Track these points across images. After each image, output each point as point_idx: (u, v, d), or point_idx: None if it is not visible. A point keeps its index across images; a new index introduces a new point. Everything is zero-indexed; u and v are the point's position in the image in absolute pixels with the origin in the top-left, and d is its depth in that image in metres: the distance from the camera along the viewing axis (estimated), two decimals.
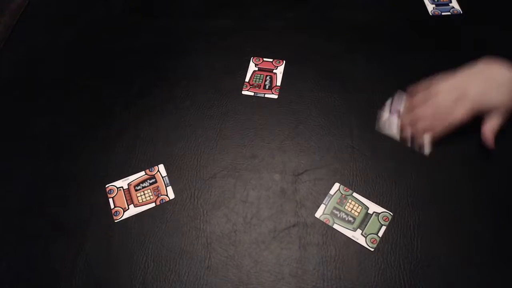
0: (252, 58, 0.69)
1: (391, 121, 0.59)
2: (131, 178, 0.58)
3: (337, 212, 0.53)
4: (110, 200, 0.56)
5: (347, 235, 0.51)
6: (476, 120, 0.54)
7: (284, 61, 0.68)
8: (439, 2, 0.73)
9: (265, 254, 0.51)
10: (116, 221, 0.54)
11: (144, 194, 0.56)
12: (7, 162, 0.61)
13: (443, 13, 0.72)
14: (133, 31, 0.75)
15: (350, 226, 0.52)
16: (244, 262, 0.50)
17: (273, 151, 0.59)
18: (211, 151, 0.60)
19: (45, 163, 0.60)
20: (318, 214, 0.53)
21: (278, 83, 0.66)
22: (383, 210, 0.53)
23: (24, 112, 0.66)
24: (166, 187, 0.57)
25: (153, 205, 0.55)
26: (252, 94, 0.65)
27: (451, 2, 0.73)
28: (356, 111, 0.62)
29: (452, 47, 0.68)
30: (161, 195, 0.56)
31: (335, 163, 0.57)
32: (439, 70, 0.65)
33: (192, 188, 0.56)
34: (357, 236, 0.51)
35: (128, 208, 0.55)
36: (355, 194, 0.54)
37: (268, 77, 0.67)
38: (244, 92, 0.66)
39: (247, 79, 0.67)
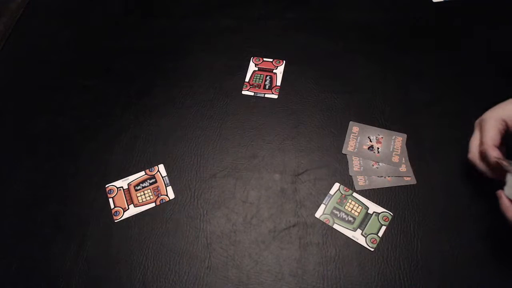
0: (252, 58, 0.69)
1: None
2: (131, 178, 0.58)
3: (337, 212, 0.53)
4: (110, 200, 0.56)
5: (347, 235, 0.51)
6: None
7: (284, 61, 0.69)
8: None
9: (265, 254, 0.51)
10: (116, 221, 0.54)
11: (144, 194, 0.56)
12: (7, 161, 0.61)
13: None
14: (133, 31, 0.75)
15: (350, 226, 0.52)
16: (244, 262, 0.50)
17: (273, 151, 0.59)
18: (211, 151, 0.60)
19: (45, 163, 0.60)
20: (318, 214, 0.53)
21: (278, 83, 0.66)
22: (383, 210, 0.53)
23: (24, 112, 0.66)
24: (166, 187, 0.57)
25: (153, 205, 0.55)
26: (252, 94, 0.65)
27: None
28: (356, 111, 0.62)
29: (452, 47, 0.68)
30: (161, 195, 0.56)
31: (335, 163, 0.57)
32: (439, 70, 0.65)
33: (192, 188, 0.56)
34: (357, 236, 0.51)
35: (128, 208, 0.55)
36: (355, 194, 0.54)
37: (268, 77, 0.67)
38: (244, 92, 0.66)
39: (247, 79, 0.67)
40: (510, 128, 0.47)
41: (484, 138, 0.47)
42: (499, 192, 0.45)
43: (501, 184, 0.44)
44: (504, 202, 0.44)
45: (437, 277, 0.48)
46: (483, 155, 0.47)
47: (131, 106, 0.65)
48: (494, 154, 0.46)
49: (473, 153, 0.49)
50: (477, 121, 0.50)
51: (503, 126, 0.47)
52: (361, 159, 0.57)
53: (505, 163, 0.45)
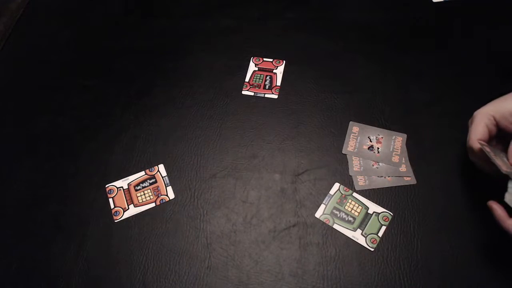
0: (252, 58, 0.69)
1: None
2: (131, 178, 0.58)
3: (337, 212, 0.53)
4: (110, 200, 0.56)
5: (347, 235, 0.51)
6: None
7: (284, 61, 0.69)
8: None
9: (265, 254, 0.51)
10: (116, 221, 0.54)
11: (144, 194, 0.56)
12: (7, 161, 0.61)
13: None
14: (133, 31, 0.75)
15: (350, 226, 0.52)
16: (244, 262, 0.50)
17: (273, 151, 0.59)
18: (211, 151, 0.60)
19: (45, 163, 0.60)
20: (318, 214, 0.53)
21: (278, 83, 0.66)
22: (383, 210, 0.53)
23: (24, 112, 0.66)
24: (166, 187, 0.57)
25: (153, 205, 0.55)
26: (252, 94, 0.65)
27: None
28: (356, 111, 0.62)
29: (452, 47, 0.68)
30: (161, 195, 0.56)
31: (335, 163, 0.57)
32: (439, 70, 0.65)
33: (192, 188, 0.56)
34: (357, 236, 0.51)
35: (128, 208, 0.55)
36: (355, 194, 0.54)
37: (268, 77, 0.67)
38: (244, 92, 0.66)
39: (247, 79, 0.67)
40: (499, 122, 0.47)
41: (470, 133, 0.48)
42: (490, 203, 0.44)
43: (503, 189, 0.44)
44: (498, 213, 0.43)
45: (437, 277, 0.48)
46: (470, 150, 0.48)
47: (131, 106, 0.65)
48: (480, 142, 0.46)
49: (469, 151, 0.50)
50: (470, 120, 0.50)
51: (491, 121, 0.48)
52: (361, 159, 0.57)
53: (487, 149, 0.45)
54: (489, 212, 0.50)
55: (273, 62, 0.69)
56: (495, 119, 0.48)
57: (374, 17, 0.73)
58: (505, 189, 0.43)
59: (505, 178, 0.44)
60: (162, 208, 0.55)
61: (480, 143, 0.46)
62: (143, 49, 0.72)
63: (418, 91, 0.63)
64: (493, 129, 0.48)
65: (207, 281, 0.49)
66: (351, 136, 0.59)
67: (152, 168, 0.58)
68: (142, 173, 0.58)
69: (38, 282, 0.50)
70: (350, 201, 0.54)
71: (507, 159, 0.45)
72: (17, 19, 0.80)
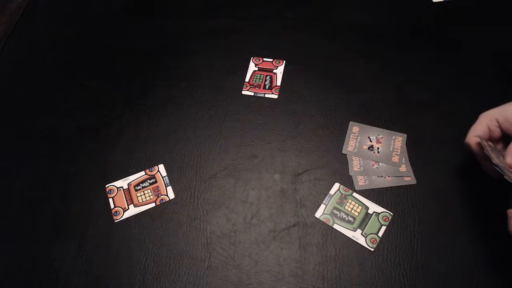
0: (252, 58, 0.69)
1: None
2: (131, 178, 0.58)
3: (337, 212, 0.53)
4: (110, 200, 0.56)
5: (347, 235, 0.51)
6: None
7: (284, 61, 0.69)
8: None
9: (265, 254, 0.51)
10: (116, 221, 0.54)
11: (144, 194, 0.56)
12: (7, 162, 0.61)
13: None
14: (133, 31, 0.75)
15: (350, 226, 0.52)
16: (244, 262, 0.50)
17: (273, 151, 0.59)
18: (211, 151, 0.60)
19: (45, 163, 0.60)
20: (318, 214, 0.53)
21: (278, 83, 0.66)
22: (383, 210, 0.53)
23: (24, 112, 0.66)
24: (166, 187, 0.57)
25: (153, 205, 0.55)
26: (252, 94, 0.65)
27: None
28: (356, 111, 0.62)
29: (452, 47, 0.68)
30: (161, 195, 0.56)
31: (335, 163, 0.57)
32: (439, 70, 0.65)
33: (192, 188, 0.56)
34: (357, 236, 0.51)
35: (128, 208, 0.55)
36: (355, 194, 0.54)
37: (268, 77, 0.67)
38: (244, 92, 0.66)
39: (247, 79, 0.67)
40: (502, 125, 0.48)
41: (470, 130, 0.49)
42: (510, 211, 0.44)
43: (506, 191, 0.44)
44: None
45: (437, 277, 0.48)
46: (467, 145, 0.49)
47: (131, 106, 0.65)
48: (478, 136, 0.47)
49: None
50: None
51: (493, 122, 0.48)
52: (361, 159, 0.57)
53: (485, 142, 0.45)
54: (489, 213, 0.50)
55: (273, 62, 0.69)
56: (498, 122, 0.48)
57: (374, 17, 0.73)
58: None
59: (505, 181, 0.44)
60: (162, 208, 0.55)
61: (479, 137, 0.47)
62: (143, 49, 0.73)
63: (418, 91, 0.63)
64: (496, 130, 0.48)
65: (207, 281, 0.49)
66: (351, 136, 0.59)
67: (152, 168, 0.58)
68: (142, 173, 0.58)
69: (38, 282, 0.50)
70: (350, 201, 0.54)
71: (503, 157, 0.45)
72: (17, 19, 0.80)
